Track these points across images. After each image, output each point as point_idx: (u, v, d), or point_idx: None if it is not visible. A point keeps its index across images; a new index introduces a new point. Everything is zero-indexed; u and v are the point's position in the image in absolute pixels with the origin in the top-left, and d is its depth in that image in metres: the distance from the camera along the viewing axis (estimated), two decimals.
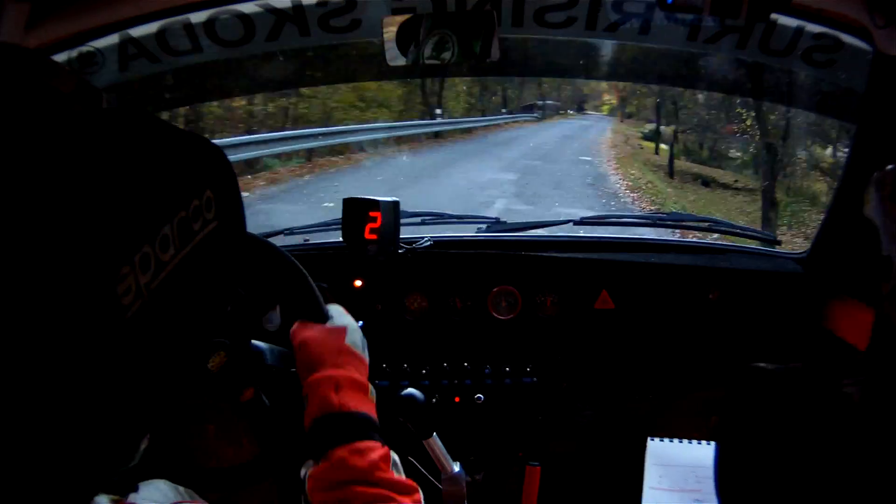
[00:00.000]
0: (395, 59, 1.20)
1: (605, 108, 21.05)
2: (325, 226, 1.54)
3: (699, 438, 1.40)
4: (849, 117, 1.50)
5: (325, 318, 0.80)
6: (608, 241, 1.54)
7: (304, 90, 9.89)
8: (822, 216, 1.47)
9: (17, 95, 0.40)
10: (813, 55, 1.33)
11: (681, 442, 1.40)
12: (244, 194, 0.50)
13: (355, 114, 10.78)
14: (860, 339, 1.20)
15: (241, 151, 6.76)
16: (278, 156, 8.03)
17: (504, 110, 16.79)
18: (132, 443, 0.44)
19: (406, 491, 0.68)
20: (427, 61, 1.19)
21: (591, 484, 1.49)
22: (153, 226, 0.40)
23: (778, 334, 1.41)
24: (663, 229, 2.16)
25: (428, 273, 1.41)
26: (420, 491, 0.70)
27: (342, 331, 0.78)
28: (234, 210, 0.49)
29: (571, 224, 1.60)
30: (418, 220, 1.52)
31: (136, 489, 0.53)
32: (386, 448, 0.71)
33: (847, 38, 1.25)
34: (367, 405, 0.73)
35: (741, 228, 1.71)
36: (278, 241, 1.45)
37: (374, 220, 1.27)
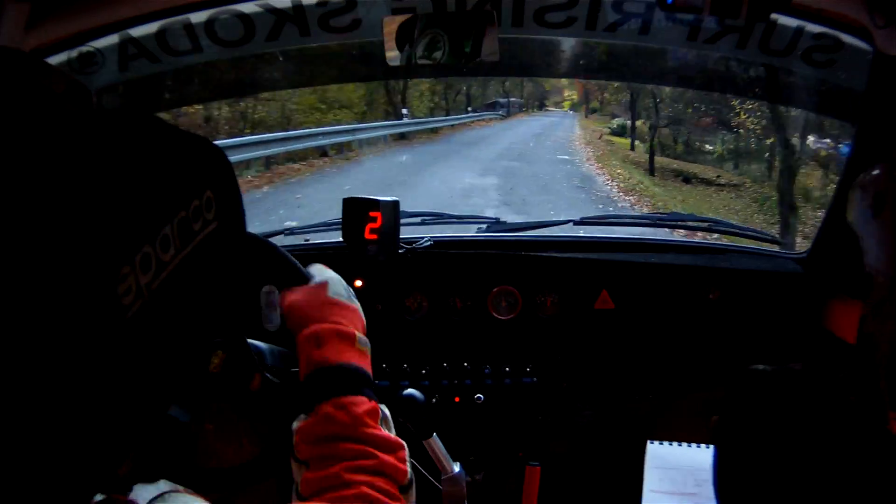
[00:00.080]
0: (396, 59, 1.20)
1: (566, 104, 21.06)
2: (325, 226, 1.54)
3: (699, 439, 1.40)
4: (849, 117, 1.50)
5: (306, 278, 0.80)
6: (608, 241, 1.54)
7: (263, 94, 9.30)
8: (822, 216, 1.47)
9: (15, 97, 0.40)
10: (813, 55, 1.33)
11: (679, 445, 1.40)
12: None
13: (316, 116, 10.23)
14: None
15: None
16: (235, 165, 7.69)
17: (469, 109, 16.65)
18: (131, 443, 0.44)
19: (390, 448, 0.67)
20: (420, 61, 1.20)
21: (590, 484, 1.49)
22: (154, 226, 0.40)
23: (778, 334, 1.41)
24: (663, 229, 2.16)
25: (428, 273, 1.41)
26: (406, 448, 0.69)
27: (323, 285, 0.78)
28: (234, 210, 0.50)
29: (571, 224, 1.60)
30: (418, 220, 1.53)
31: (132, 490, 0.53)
32: (373, 402, 0.70)
33: (847, 38, 1.25)
34: (353, 355, 0.73)
35: (741, 228, 1.71)
36: (278, 240, 1.45)
37: (374, 220, 1.27)
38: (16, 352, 0.34)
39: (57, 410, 0.36)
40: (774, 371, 0.95)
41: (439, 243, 1.44)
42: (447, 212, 1.59)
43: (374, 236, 1.27)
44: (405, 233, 1.37)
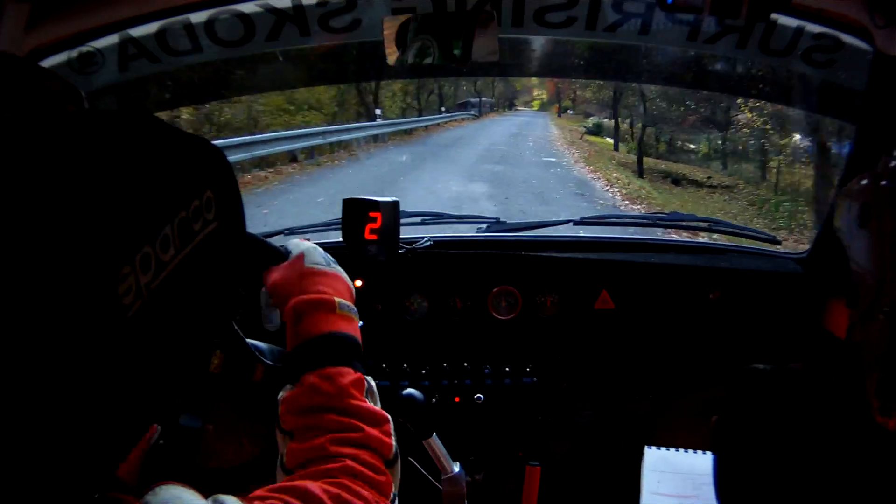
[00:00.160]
0: (396, 59, 1.21)
1: (536, 103, 21.02)
2: (325, 226, 1.54)
3: (699, 440, 1.40)
4: (849, 117, 1.50)
5: (283, 255, 0.80)
6: (608, 241, 1.54)
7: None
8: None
9: (14, 98, 0.40)
10: (813, 55, 1.33)
11: (677, 451, 1.40)
12: None
13: (285, 118, 9.67)
14: None
15: None
16: None
17: (443, 109, 16.51)
18: (131, 443, 0.44)
19: (375, 421, 0.67)
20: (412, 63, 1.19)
21: (590, 484, 1.49)
22: (154, 226, 0.40)
23: (778, 334, 1.41)
24: (663, 229, 2.16)
25: (428, 273, 1.41)
26: (391, 421, 0.69)
27: (300, 256, 0.78)
28: (234, 211, 0.50)
29: (571, 224, 1.60)
30: (418, 220, 1.53)
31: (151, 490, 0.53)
32: (359, 374, 0.69)
33: (847, 38, 1.25)
34: (335, 322, 0.72)
35: (741, 228, 1.71)
36: (278, 241, 1.45)
37: (374, 220, 1.27)
38: (16, 351, 0.34)
39: (57, 410, 0.36)
40: (774, 371, 0.95)
41: (439, 243, 1.44)
42: (447, 212, 1.60)
43: (374, 236, 1.27)
44: (405, 233, 1.37)
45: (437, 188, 7.24)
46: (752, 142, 9.81)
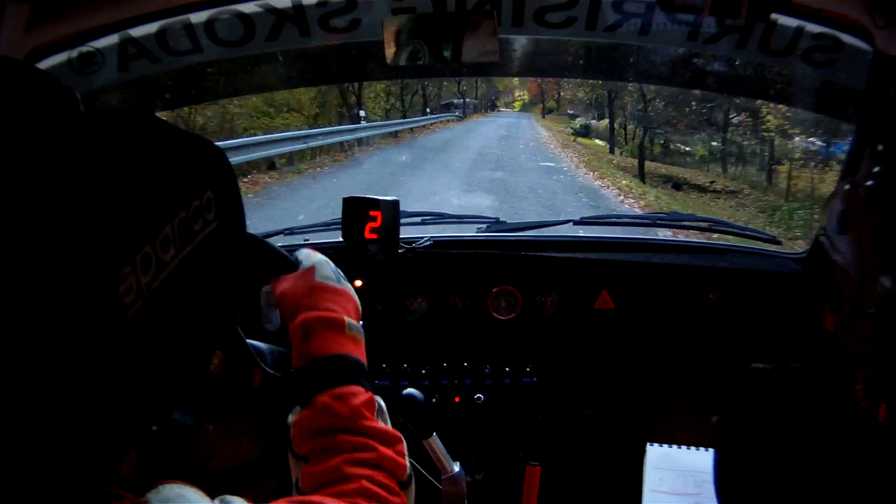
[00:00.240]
0: (396, 59, 1.20)
1: (518, 104, 20.94)
2: (325, 226, 1.54)
3: (699, 440, 1.40)
4: (849, 117, 1.50)
5: (293, 265, 0.79)
6: (608, 241, 1.54)
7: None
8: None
9: (13, 99, 0.40)
10: (813, 55, 1.33)
11: (679, 448, 1.40)
12: None
13: (263, 121, 9.15)
14: None
15: None
16: None
17: (428, 110, 16.31)
18: (131, 443, 0.44)
19: (389, 441, 0.66)
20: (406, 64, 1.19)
21: (591, 484, 1.49)
22: (154, 226, 0.40)
23: (778, 334, 1.41)
24: (663, 229, 2.16)
25: (428, 273, 1.41)
26: (404, 441, 0.68)
27: (311, 269, 0.77)
28: (234, 211, 0.50)
29: (571, 224, 1.60)
30: (418, 219, 1.53)
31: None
32: (369, 393, 0.69)
33: (847, 38, 1.25)
34: (344, 344, 0.71)
35: (741, 228, 1.71)
36: (278, 240, 1.45)
37: (374, 219, 1.27)
38: (17, 351, 0.34)
39: (57, 410, 0.36)
40: (774, 370, 0.95)
41: (439, 243, 1.44)
42: (447, 212, 1.59)
43: (374, 236, 1.27)
44: (405, 232, 1.37)
45: (437, 200, 6.67)
46: (756, 143, 9.62)
